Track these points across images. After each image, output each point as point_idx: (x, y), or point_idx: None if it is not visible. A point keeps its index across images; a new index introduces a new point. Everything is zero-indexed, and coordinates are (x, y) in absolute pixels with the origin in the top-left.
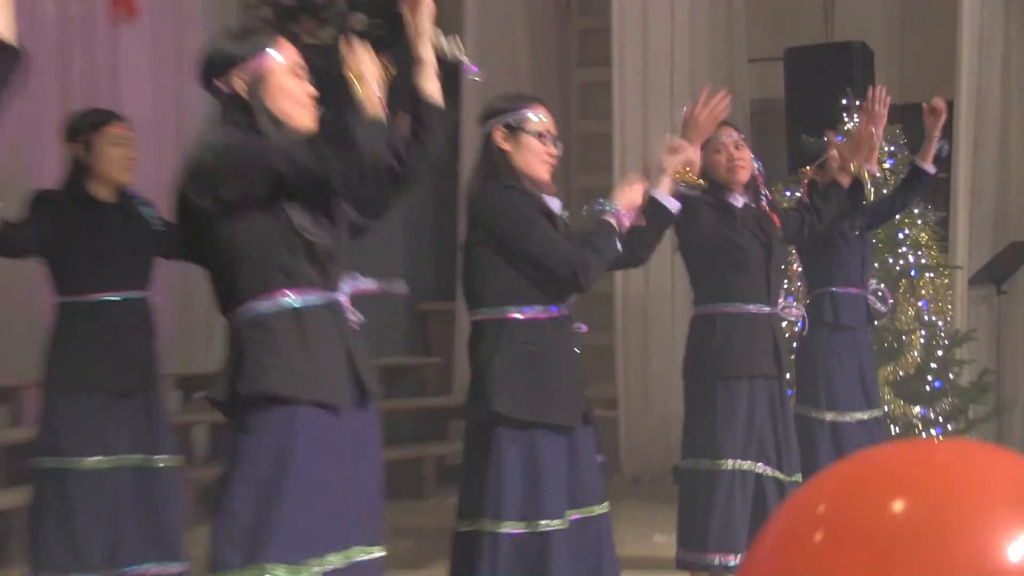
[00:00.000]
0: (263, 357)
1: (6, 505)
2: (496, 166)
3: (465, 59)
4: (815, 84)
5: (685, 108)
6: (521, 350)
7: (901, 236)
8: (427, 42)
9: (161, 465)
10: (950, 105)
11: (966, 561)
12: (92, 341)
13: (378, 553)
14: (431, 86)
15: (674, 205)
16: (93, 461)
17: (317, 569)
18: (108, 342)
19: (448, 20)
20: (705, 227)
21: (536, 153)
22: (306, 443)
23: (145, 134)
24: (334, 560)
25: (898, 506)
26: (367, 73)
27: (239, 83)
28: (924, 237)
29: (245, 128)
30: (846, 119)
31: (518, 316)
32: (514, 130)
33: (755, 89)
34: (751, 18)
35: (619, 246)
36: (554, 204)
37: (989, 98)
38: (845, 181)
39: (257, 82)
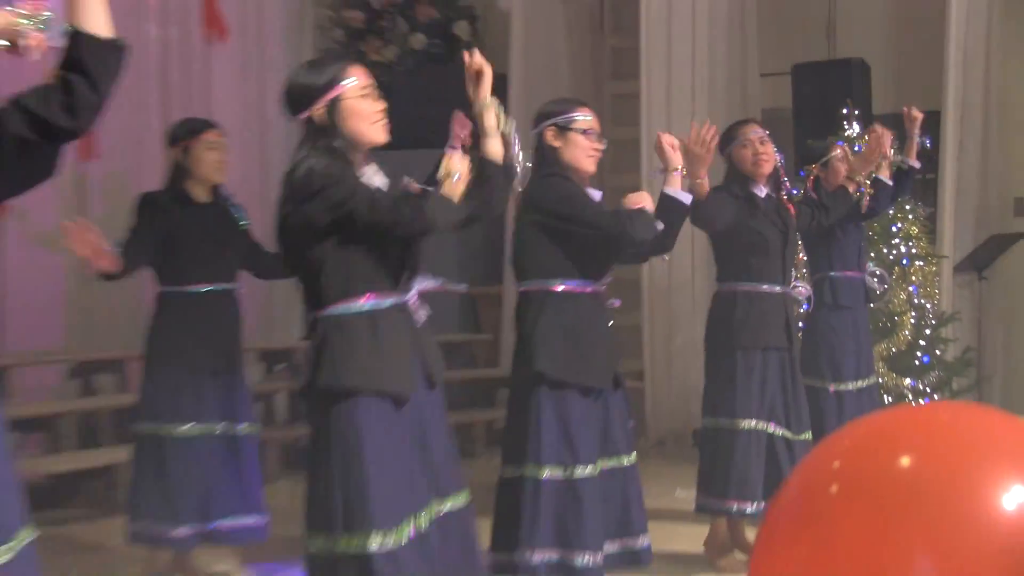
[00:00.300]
0: (338, 354)
1: (114, 460)
2: (547, 161)
3: (518, 145)
4: (819, 96)
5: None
6: (562, 319)
7: (894, 229)
8: (491, 114)
9: (242, 432)
10: (938, 114)
11: (966, 509)
12: (187, 326)
13: (462, 500)
14: (493, 149)
15: (686, 198)
16: (186, 428)
17: (407, 529)
18: (201, 327)
19: (497, 41)
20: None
21: (582, 148)
22: (373, 427)
23: (233, 140)
24: (419, 519)
25: (904, 461)
26: (456, 172)
27: (319, 113)
28: (915, 230)
29: (326, 152)
30: (846, 126)
31: (560, 289)
32: (563, 129)
33: (766, 100)
34: (762, 37)
35: (656, 224)
36: (595, 195)
37: (972, 107)
38: (851, 187)
39: (333, 110)
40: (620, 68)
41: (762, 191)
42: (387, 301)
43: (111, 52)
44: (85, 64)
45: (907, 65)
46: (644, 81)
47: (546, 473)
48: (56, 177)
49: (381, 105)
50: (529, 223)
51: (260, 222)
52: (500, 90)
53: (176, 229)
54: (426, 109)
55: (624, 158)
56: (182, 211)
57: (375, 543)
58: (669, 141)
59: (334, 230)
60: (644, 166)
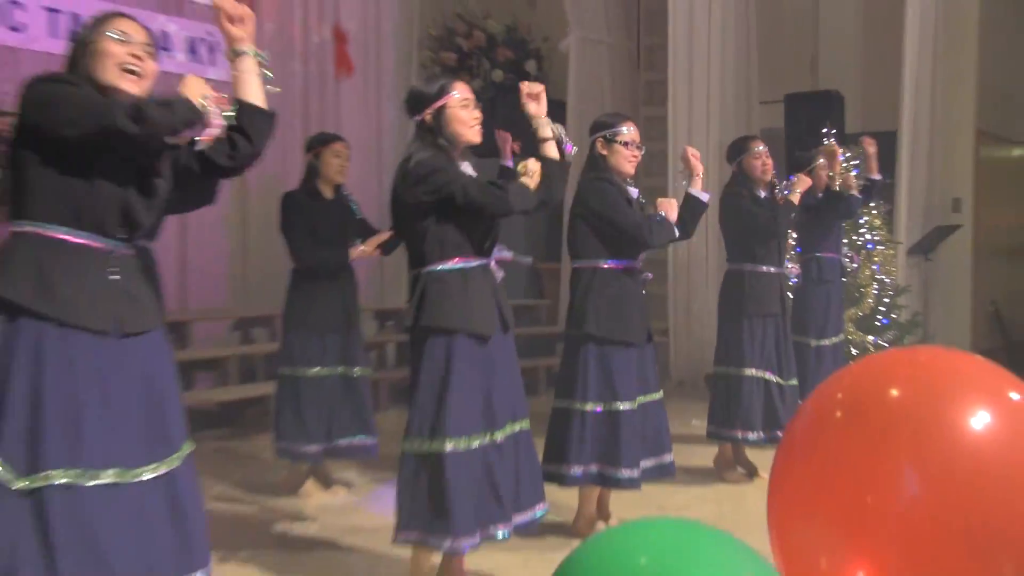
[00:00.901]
0: (435, 301)
1: (266, 393)
2: (596, 165)
3: (567, 139)
4: (805, 119)
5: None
6: (605, 290)
7: (862, 221)
8: (546, 126)
9: (357, 374)
10: (895, 133)
11: (942, 428)
12: (316, 295)
13: (527, 424)
14: (550, 151)
15: (705, 197)
16: (314, 371)
17: (476, 441)
18: (326, 295)
19: (558, 76)
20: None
21: (624, 156)
22: (461, 359)
23: (354, 152)
24: (493, 435)
25: (894, 392)
26: (532, 171)
27: (428, 116)
28: (877, 222)
29: (433, 147)
30: (825, 142)
31: (604, 266)
32: (609, 140)
33: (764, 122)
34: (761, 72)
35: (675, 230)
36: (633, 192)
37: (921, 127)
38: (835, 186)
39: (440, 115)
40: (652, 96)
41: (762, 193)
42: (473, 263)
43: (266, 119)
44: (246, 128)
45: (871, 94)
46: (671, 106)
47: (590, 407)
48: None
49: (478, 114)
50: (579, 215)
51: (374, 212)
52: (559, 113)
53: (308, 218)
54: (503, 127)
55: (655, 165)
56: (312, 204)
57: (448, 447)
58: (693, 153)
59: (435, 208)
60: (670, 172)
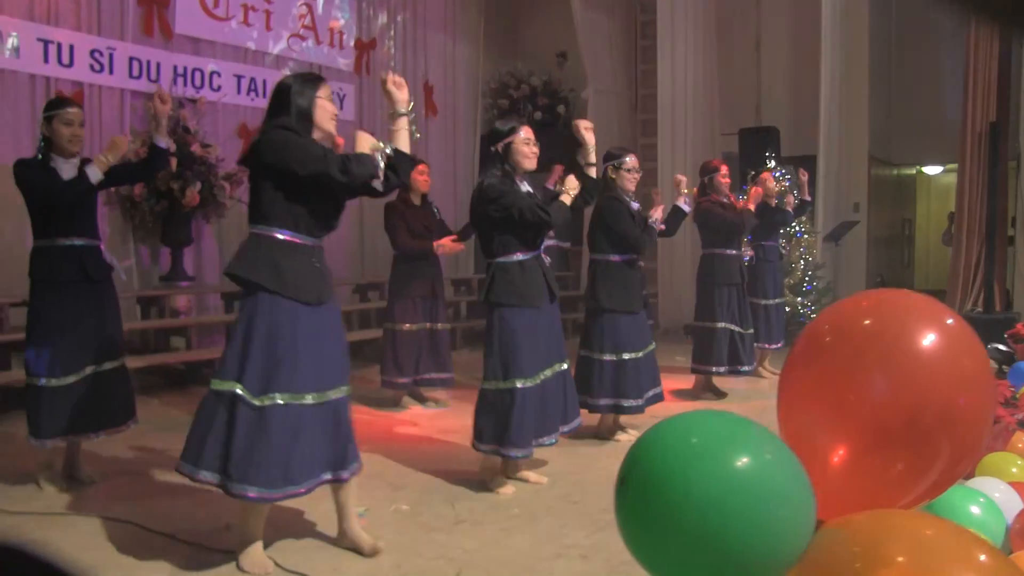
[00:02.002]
0: (501, 285)
1: (376, 337)
2: (608, 185)
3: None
4: (753, 146)
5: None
6: (613, 275)
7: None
8: (592, 153)
9: (440, 327)
10: (815, 156)
11: (901, 346)
12: (410, 272)
13: (566, 365)
14: (592, 173)
15: (687, 208)
16: (407, 327)
17: (536, 380)
18: (417, 273)
19: (579, 116)
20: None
21: (627, 179)
22: (519, 322)
23: (438, 172)
24: (546, 373)
25: (867, 321)
26: (574, 189)
27: (500, 147)
28: (804, 219)
29: (501, 172)
30: (768, 165)
31: (613, 259)
32: (617, 168)
33: (724, 147)
34: (721, 112)
35: (656, 235)
36: (634, 205)
37: (831, 152)
38: (772, 202)
39: (508, 148)
40: (645, 130)
41: (725, 200)
42: (527, 255)
43: (410, 162)
44: (398, 168)
45: (797, 129)
46: (659, 137)
47: (606, 356)
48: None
49: (536, 149)
50: (596, 223)
51: (451, 217)
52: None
53: (407, 222)
54: (542, 150)
55: (648, 179)
56: (409, 211)
57: (519, 384)
58: (679, 178)
59: (500, 220)
60: (659, 183)
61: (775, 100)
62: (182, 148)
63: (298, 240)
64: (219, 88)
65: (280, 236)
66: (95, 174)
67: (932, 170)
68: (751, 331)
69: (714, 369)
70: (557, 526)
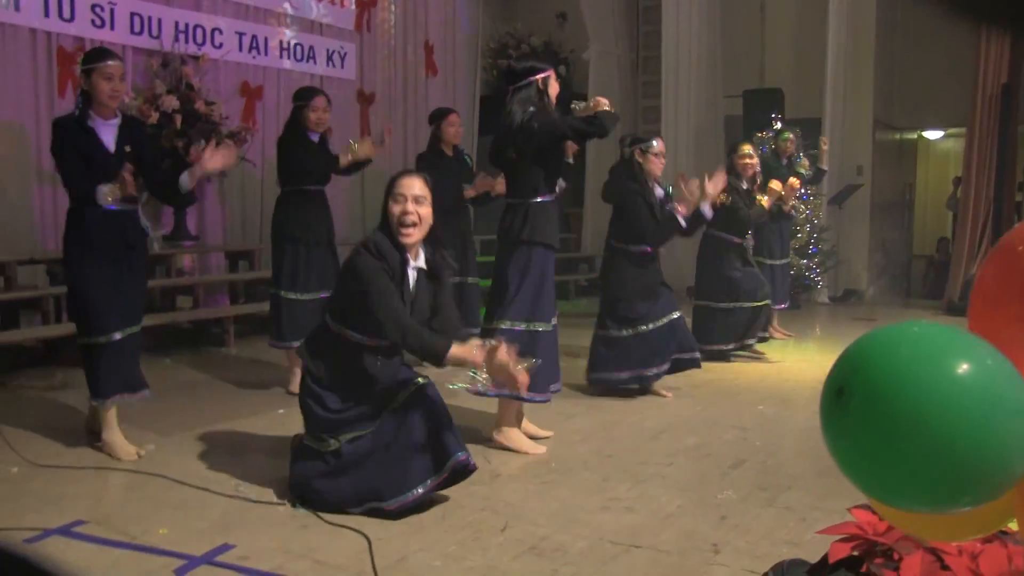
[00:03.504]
0: (536, 223)
1: None
2: (632, 168)
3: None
4: (758, 109)
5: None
6: (630, 264)
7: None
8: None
9: (470, 281)
10: (819, 120)
11: None
12: (441, 225)
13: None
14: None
15: (709, 215)
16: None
17: (552, 320)
18: (448, 225)
19: (581, 77)
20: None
21: (655, 164)
22: (540, 259)
23: None
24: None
25: None
26: (596, 105)
27: (540, 81)
28: (811, 188)
29: (540, 103)
30: (773, 125)
31: (632, 249)
32: (644, 151)
33: (728, 111)
34: (725, 73)
35: (682, 224)
36: (659, 192)
37: (837, 115)
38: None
39: (546, 82)
40: (647, 92)
41: (744, 185)
42: (548, 198)
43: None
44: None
45: (802, 90)
46: (663, 98)
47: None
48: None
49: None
50: (614, 210)
51: None
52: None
53: (440, 173)
54: None
55: None
56: (440, 161)
57: (540, 327)
58: (701, 183)
59: (533, 156)
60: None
61: (780, 61)
62: (186, 106)
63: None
64: (220, 45)
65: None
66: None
67: (933, 135)
68: (765, 302)
69: (718, 348)
70: (598, 479)
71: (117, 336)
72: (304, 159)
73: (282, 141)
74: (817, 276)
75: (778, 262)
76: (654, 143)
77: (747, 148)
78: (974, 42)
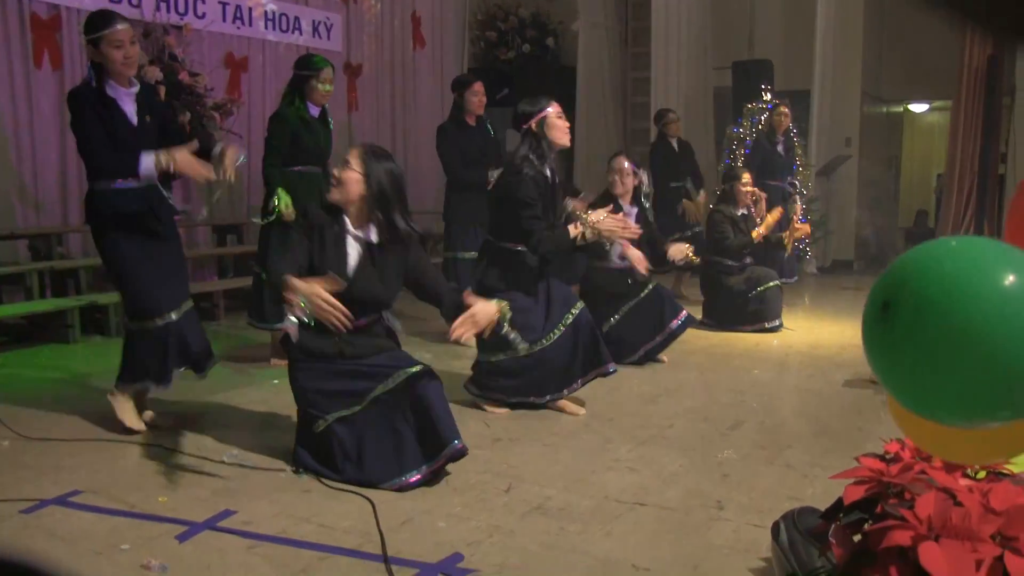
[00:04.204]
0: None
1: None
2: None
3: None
4: (748, 80)
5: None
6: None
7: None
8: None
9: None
10: (808, 92)
11: None
12: (468, 203)
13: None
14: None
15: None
16: (465, 254)
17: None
18: (474, 204)
19: (570, 48)
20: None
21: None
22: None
23: (425, 101)
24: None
25: None
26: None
27: (533, 126)
28: (800, 153)
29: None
30: (763, 96)
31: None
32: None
33: (717, 82)
34: (714, 44)
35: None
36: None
37: (825, 87)
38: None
39: (541, 123)
40: (636, 64)
41: (740, 212)
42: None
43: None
44: None
45: (791, 63)
46: (652, 70)
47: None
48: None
49: (566, 124)
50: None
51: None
52: (570, 77)
53: (460, 143)
54: (530, 84)
55: (637, 114)
56: (461, 132)
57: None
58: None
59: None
60: (651, 117)
61: (769, 33)
62: (170, 77)
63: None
64: (203, 15)
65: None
66: (148, 166)
67: (918, 108)
68: (774, 283)
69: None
70: (599, 441)
71: (173, 316)
72: (302, 137)
73: (276, 117)
74: (807, 247)
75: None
76: (613, 163)
77: (746, 177)
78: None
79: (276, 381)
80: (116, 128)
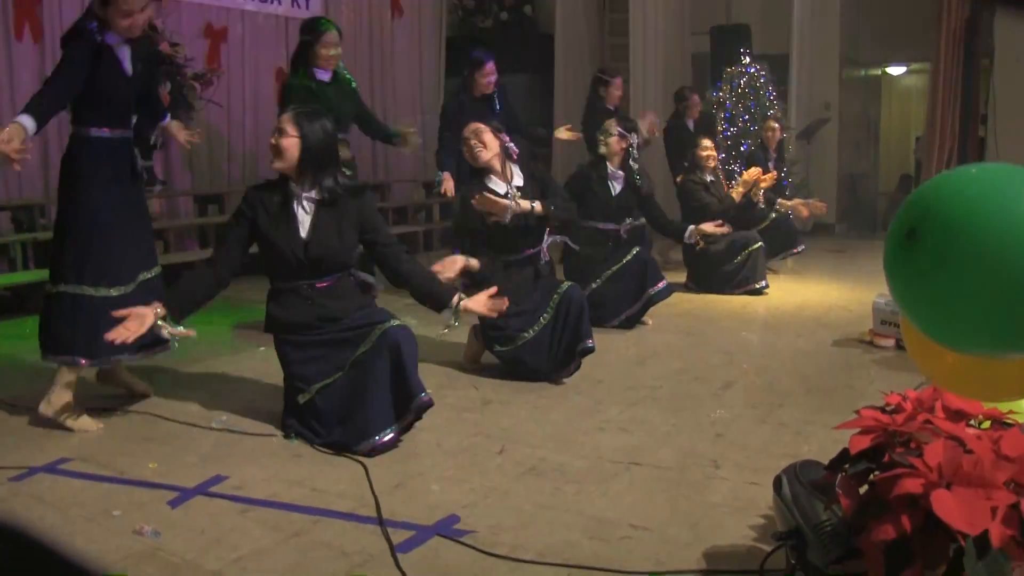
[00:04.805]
0: None
1: None
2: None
3: None
4: (726, 44)
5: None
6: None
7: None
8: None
9: None
10: (787, 56)
11: None
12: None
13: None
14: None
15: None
16: None
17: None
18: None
19: (548, 15)
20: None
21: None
22: None
23: (402, 69)
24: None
25: None
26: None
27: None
28: (784, 120)
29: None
30: (741, 60)
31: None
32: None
33: (695, 48)
34: (693, 9)
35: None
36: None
37: (804, 50)
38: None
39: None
40: (614, 30)
41: (708, 178)
42: None
43: None
44: None
45: (769, 26)
46: (631, 36)
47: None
48: None
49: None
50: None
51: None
52: (548, 44)
53: (463, 115)
54: (506, 52)
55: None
56: (472, 103)
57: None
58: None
59: None
60: (630, 90)
61: None
62: (150, 47)
63: None
64: None
65: None
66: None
67: (896, 70)
68: (758, 245)
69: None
70: (590, 403)
71: (116, 291)
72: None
73: (283, 87)
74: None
75: (774, 215)
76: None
77: (707, 142)
78: None
79: (262, 348)
80: (107, 76)
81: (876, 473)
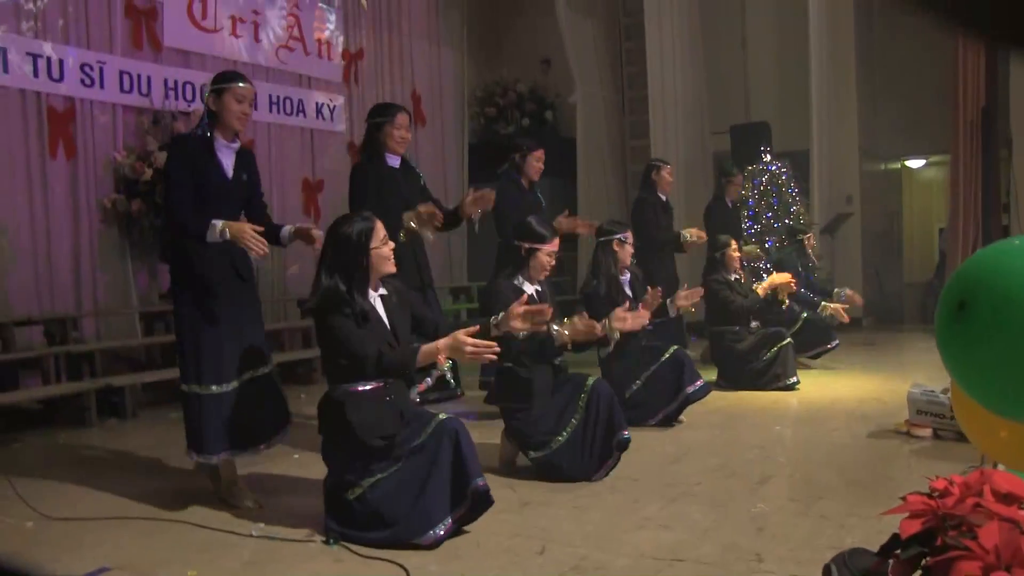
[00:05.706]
0: None
1: None
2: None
3: None
4: (746, 143)
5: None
6: None
7: (792, 210)
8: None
9: None
10: (807, 152)
11: None
12: None
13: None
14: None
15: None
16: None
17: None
18: None
19: (569, 121)
20: None
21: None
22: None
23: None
24: None
25: None
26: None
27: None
28: (803, 213)
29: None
30: (762, 158)
31: None
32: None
33: (716, 147)
34: (712, 109)
35: None
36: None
37: (823, 148)
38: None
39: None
40: (634, 132)
41: (732, 276)
42: None
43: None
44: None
45: (788, 124)
46: (651, 139)
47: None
48: None
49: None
50: None
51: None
52: (571, 148)
53: (521, 204)
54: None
55: (637, 184)
56: (520, 193)
57: None
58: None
59: None
60: None
61: (764, 95)
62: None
63: None
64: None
65: None
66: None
67: (915, 163)
68: (787, 341)
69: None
70: (628, 501)
71: (228, 387)
72: (381, 191)
73: (353, 171)
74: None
75: (804, 316)
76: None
77: (734, 243)
78: (952, 68)
79: (296, 456)
80: (210, 177)
81: (928, 558)
